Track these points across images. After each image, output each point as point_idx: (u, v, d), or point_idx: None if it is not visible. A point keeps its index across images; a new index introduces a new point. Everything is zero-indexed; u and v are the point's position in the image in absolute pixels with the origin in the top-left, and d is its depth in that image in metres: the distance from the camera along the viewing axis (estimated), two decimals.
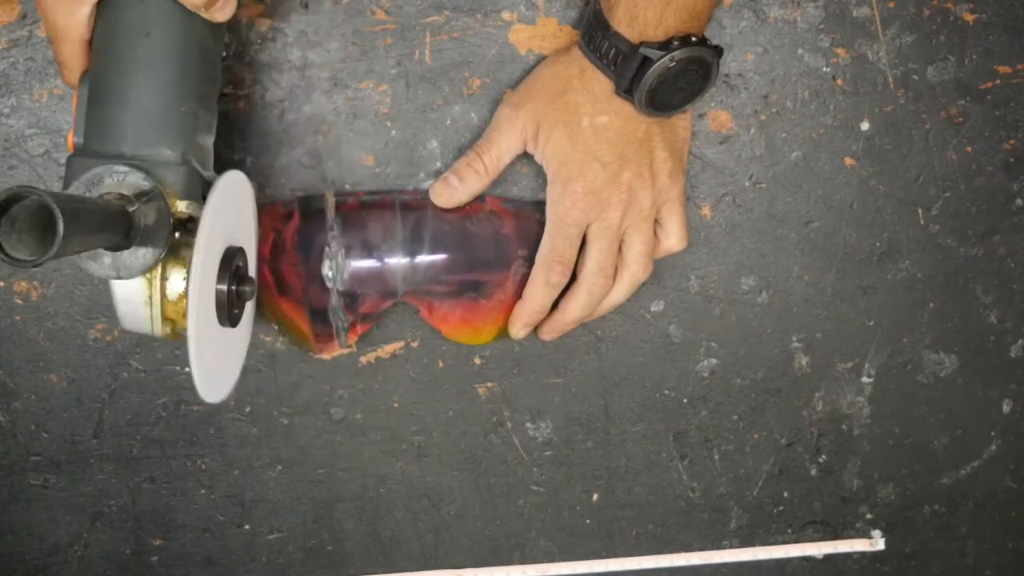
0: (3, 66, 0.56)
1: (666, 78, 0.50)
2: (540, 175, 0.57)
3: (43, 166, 0.57)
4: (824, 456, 0.65)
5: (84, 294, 0.60)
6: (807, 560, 0.67)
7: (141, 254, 0.44)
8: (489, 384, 0.63)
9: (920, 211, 0.62)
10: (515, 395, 0.63)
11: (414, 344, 0.62)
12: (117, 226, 0.41)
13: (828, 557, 0.67)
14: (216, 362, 0.48)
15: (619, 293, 0.57)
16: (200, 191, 0.46)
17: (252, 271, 0.52)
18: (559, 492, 0.65)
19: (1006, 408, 0.66)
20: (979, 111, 0.61)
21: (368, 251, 0.56)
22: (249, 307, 0.53)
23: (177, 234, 0.45)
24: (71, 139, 0.47)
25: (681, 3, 0.49)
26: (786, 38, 0.59)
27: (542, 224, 0.56)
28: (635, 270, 0.56)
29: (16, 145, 0.57)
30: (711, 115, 0.60)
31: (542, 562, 0.65)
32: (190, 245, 0.45)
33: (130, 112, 0.45)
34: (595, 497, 0.65)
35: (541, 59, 0.58)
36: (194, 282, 0.43)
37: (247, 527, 0.64)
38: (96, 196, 0.43)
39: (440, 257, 0.56)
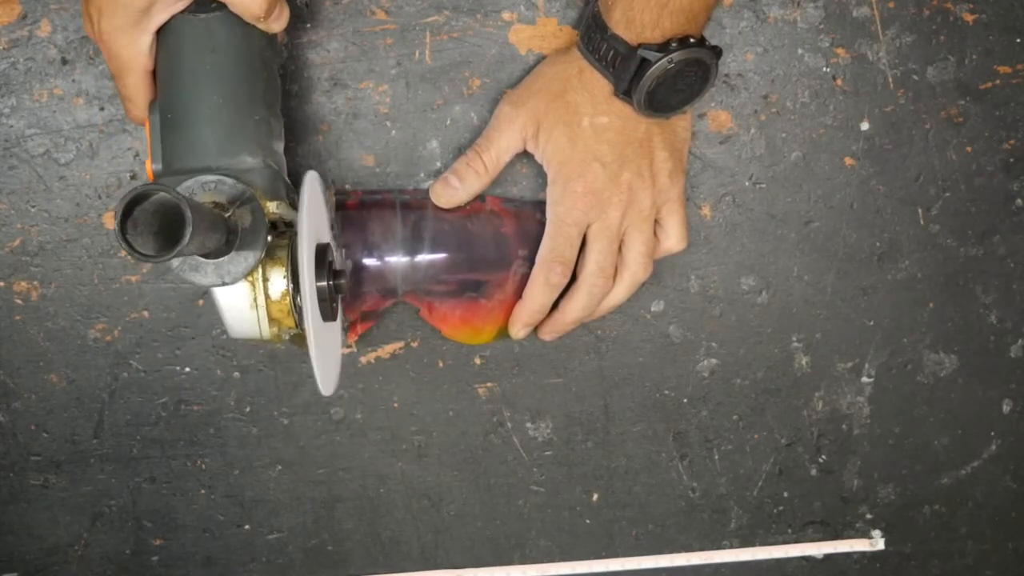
0: (3, 66, 0.56)
1: (664, 79, 0.50)
2: (540, 175, 0.57)
3: (43, 166, 0.57)
4: (824, 456, 0.65)
5: (84, 294, 0.60)
6: (807, 560, 0.67)
7: (242, 257, 0.45)
8: (489, 384, 0.63)
9: (920, 211, 0.62)
10: (515, 395, 0.63)
11: (414, 344, 0.62)
12: (220, 230, 0.42)
13: (828, 557, 0.67)
14: (326, 356, 0.50)
15: (619, 293, 0.57)
16: (284, 192, 0.48)
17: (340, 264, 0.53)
18: (559, 492, 0.65)
19: (1006, 408, 0.66)
20: (979, 111, 0.61)
21: (368, 250, 0.56)
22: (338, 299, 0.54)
23: (271, 237, 0.46)
24: (149, 168, 0.48)
25: (677, 6, 0.49)
26: (786, 38, 0.59)
27: (542, 224, 0.56)
28: (635, 270, 0.56)
29: (16, 145, 0.57)
30: (711, 115, 0.60)
31: (542, 562, 0.66)
32: (283, 245, 0.47)
33: (208, 127, 0.46)
34: (595, 497, 0.65)
35: (541, 59, 0.58)
36: (305, 276, 0.44)
37: (247, 527, 0.64)
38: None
39: (440, 257, 0.56)
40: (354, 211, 0.56)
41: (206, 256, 0.44)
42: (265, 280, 0.47)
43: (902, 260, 0.63)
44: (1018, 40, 0.60)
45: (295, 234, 0.47)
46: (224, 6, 0.46)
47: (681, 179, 0.56)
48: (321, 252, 0.48)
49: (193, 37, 0.46)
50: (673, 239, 0.56)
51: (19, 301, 0.60)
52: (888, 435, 0.65)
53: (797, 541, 0.66)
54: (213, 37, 0.46)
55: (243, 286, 0.47)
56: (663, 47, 0.49)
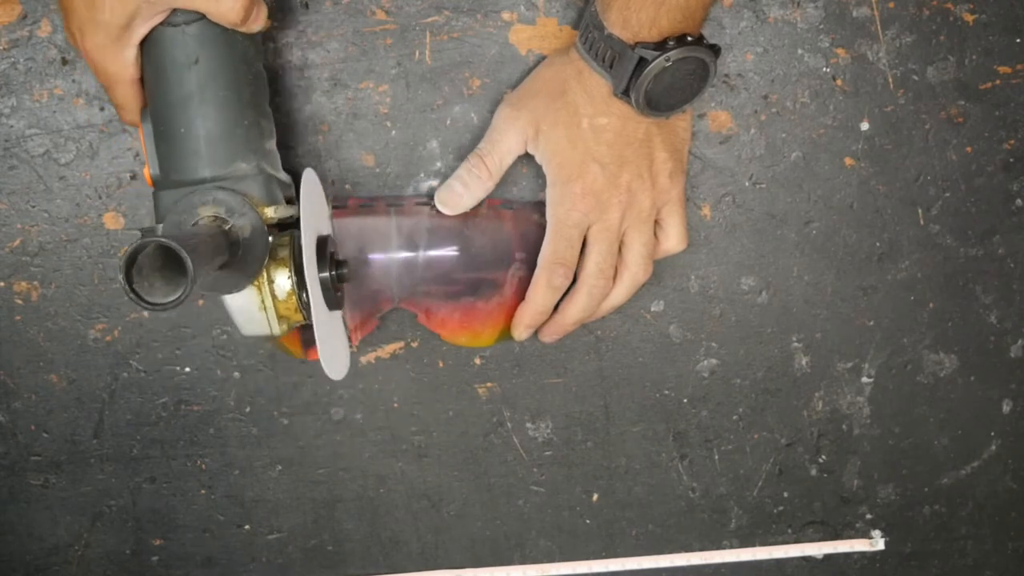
0: (3, 66, 0.56)
1: (662, 78, 0.50)
2: (540, 175, 0.57)
3: (43, 166, 0.57)
4: (824, 456, 0.65)
5: (84, 294, 0.60)
6: (807, 560, 0.67)
7: (247, 266, 0.46)
8: (489, 384, 0.63)
9: (920, 211, 0.62)
10: (515, 395, 0.63)
11: (414, 344, 0.62)
12: (224, 247, 0.44)
13: (828, 557, 0.67)
14: (333, 344, 0.51)
15: (619, 294, 0.56)
16: (280, 193, 0.49)
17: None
18: (559, 492, 0.65)
19: (1006, 408, 0.66)
20: (979, 111, 0.61)
21: (363, 257, 0.56)
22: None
23: (270, 238, 0.47)
24: (147, 173, 0.49)
25: (674, 4, 0.49)
26: (786, 38, 0.59)
27: (540, 226, 0.56)
28: (635, 271, 0.56)
29: (16, 145, 0.57)
30: (711, 115, 0.60)
31: (542, 562, 0.65)
32: (285, 244, 0.48)
33: (199, 138, 0.47)
34: (595, 497, 0.65)
35: (541, 59, 0.58)
36: (309, 274, 0.46)
37: (247, 527, 0.64)
38: (196, 223, 0.46)
39: (436, 260, 0.56)
40: (349, 219, 0.56)
41: None
42: (271, 282, 0.48)
43: (902, 260, 0.63)
44: (1018, 40, 0.60)
45: (296, 232, 0.48)
46: (203, 16, 0.46)
47: (681, 179, 0.56)
48: (322, 244, 0.49)
49: (175, 48, 0.47)
50: (673, 240, 0.56)
51: (19, 301, 0.60)
52: (888, 435, 0.65)
53: (797, 541, 0.66)
54: (195, 47, 0.47)
55: (250, 291, 0.48)
56: (660, 46, 0.49)
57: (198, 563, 0.64)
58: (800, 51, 0.59)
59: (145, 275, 0.37)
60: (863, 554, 0.67)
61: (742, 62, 0.59)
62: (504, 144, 0.55)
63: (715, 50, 0.51)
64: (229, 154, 0.47)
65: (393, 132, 0.58)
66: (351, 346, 0.60)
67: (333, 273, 0.50)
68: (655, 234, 0.56)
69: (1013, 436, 0.66)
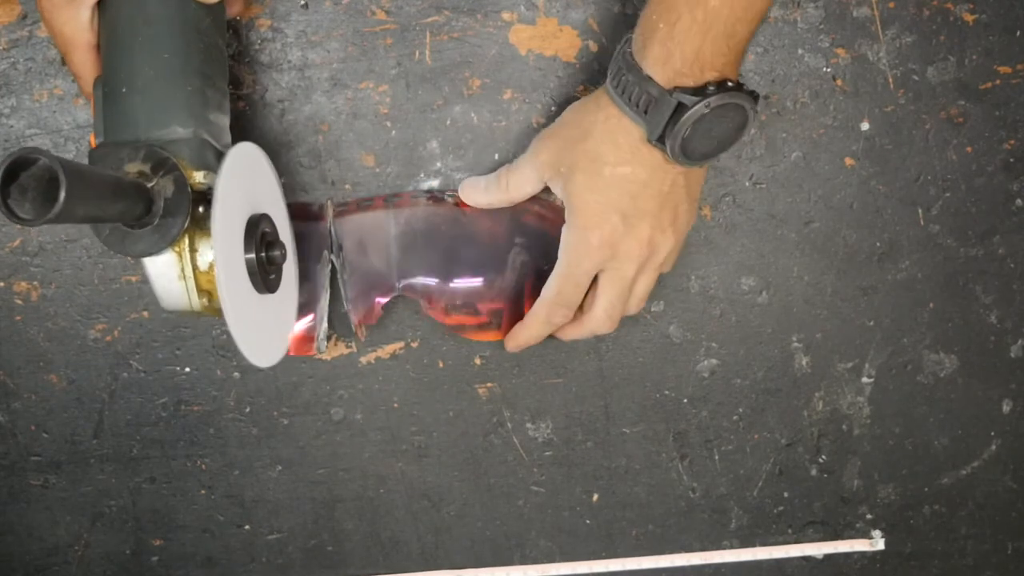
0: (3, 66, 0.56)
1: (700, 126, 0.48)
2: None
3: None
4: (824, 456, 0.65)
5: (84, 294, 0.60)
6: (807, 560, 0.67)
7: (166, 227, 0.45)
8: (489, 384, 0.63)
9: (920, 211, 0.62)
10: (515, 395, 0.63)
11: (414, 344, 0.62)
12: (135, 198, 0.43)
13: (828, 557, 0.67)
14: (260, 328, 0.49)
15: (606, 328, 0.57)
16: (216, 163, 0.47)
17: (286, 237, 0.53)
18: (559, 492, 0.65)
19: (1006, 408, 0.66)
20: (979, 111, 0.61)
21: (363, 246, 0.56)
22: (292, 272, 0.54)
23: (201, 208, 0.46)
24: (93, 143, 0.49)
25: (720, 31, 0.46)
26: (786, 38, 0.59)
27: (540, 216, 0.56)
28: (632, 312, 0.57)
29: (16, 145, 0.57)
30: None
31: (542, 562, 0.65)
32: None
33: (139, 98, 0.47)
34: (595, 497, 0.65)
35: (541, 59, 0.58)
36: (218, 246, 0.44)
37: (247, 527, 0.64)
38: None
39: (435, 243, 0.56)
40: (348, 216, 0.56)
41: (130, 227, 0.45)
42: (193, 251, 0.46)
43: (902, 260, 0.63)
44: (1018, 40, 0.60)
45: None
46: None
47: (690, 226, 0.55)
48: (255, 222, 0.48)
49: (128, 9, 0.47)
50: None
51: (19, 301, 0.60)
52: (888, 435, 0.65)
53: (797, 541, 0.66)
54: (146, 8, 0.47)
55: (170, 257, 0.46)
56: (699, 91, 0.47)
57: (198, 563, 0.64)
58: (800, 51, 0.59)
59: (30, 197, 0.36)
60: (863, 554, 0.67)
61: (742, 62, 0.59)
62: (523, 174, 0.55)
63: (755, 97, 0.48)
64: (167, 117, 0.47)
65: (393, 132, 0.58)
66: (354, 340, 0.60)
67: (263, 255, 0.48)
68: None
69: (1013, 436, 0.66)
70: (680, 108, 0.47)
